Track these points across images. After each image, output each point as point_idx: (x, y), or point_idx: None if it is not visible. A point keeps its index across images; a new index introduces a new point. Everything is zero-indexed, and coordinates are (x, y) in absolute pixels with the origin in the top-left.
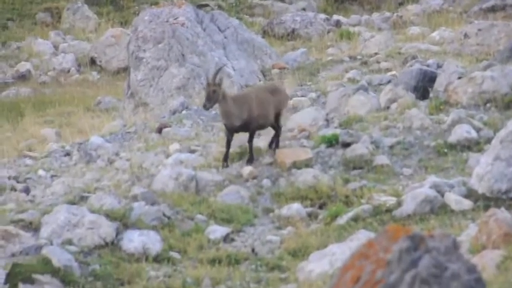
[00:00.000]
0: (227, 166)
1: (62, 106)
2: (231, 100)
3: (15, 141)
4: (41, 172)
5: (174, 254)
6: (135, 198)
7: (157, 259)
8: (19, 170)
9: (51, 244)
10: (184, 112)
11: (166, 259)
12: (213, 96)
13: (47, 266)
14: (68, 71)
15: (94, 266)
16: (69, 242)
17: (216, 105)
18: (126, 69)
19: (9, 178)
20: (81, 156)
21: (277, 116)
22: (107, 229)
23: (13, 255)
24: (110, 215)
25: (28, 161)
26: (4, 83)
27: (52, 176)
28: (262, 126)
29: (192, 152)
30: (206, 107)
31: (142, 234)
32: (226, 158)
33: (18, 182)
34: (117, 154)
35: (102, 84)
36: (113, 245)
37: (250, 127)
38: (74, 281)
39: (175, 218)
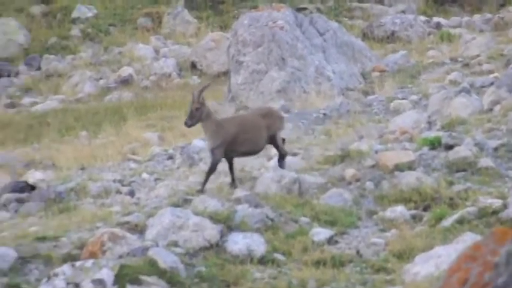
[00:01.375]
0: (234, 187)
1: (163, 110)
2: (214, 121)
3: (119, 145)
4: (145, 175)
5: (279, 256)
6: (238, 200)
7: (262, 261)
8: (123, 173)
9: (157, 246)
10: (285, 115)
11: (270, 261)
12: (196, 113)
13: (153, 267)
14: (169, 76)
15: (199, 267)
16: (175, 244)
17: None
18: (226, 73)
19: (114, 181)
20: (183, 160)
21: (273, 138)
22: (211, 231)
23: (120, 257)
24: (213, 218)
25: (132, 165)
26: (107, 88)
27: (156, 179)
28: (247, 153)
29: (294, 155)
30: (187, 124)
31: (246, 237)
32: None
33: (123, 185)
34: None
35: None
36: (217, 247)
37: (214, 156)
38: (180, 282)
39: (278, 221)
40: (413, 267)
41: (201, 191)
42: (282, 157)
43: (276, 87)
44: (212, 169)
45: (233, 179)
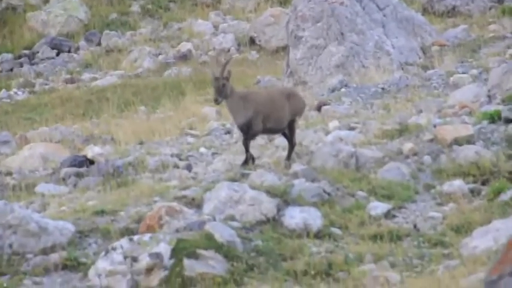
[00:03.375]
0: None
1: None
2: (238, 96)
3: (177, 120)
4: (202, 149)
5: (335, 230)
6: (295, 175)
7: (319, 235)
8: (181, 148)
9: (214, 220)
10: (343, 90)
11: (327, 235)
12: (223, 89)
13: (210, 241)
14: (228, 51)
15: (256, 241)
16: (231, 218)
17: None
18: (285, 48)
19: (172, 156)
20: (241, 134)
21: (292, 123)
22: (268, 205)
23: (177, 231)
24: (270, 192)
25: (190, 139)
26: (166, 63)
27: (213, 154)
28: (271, 130)
29: (352, 129)
30: (217, 101)
31: (303, 211)
32: (247, 160)
33: (180, 159)
34: None
35: (262, 63)
36: (274, 221)
37: (253, 127)
38: (237, 256)
39: (335, 195)
40: (471, 241)
41: (246, 163)
42: (292, 147)
43: (334, 62)
44: (250, 140)
45: (253, 158)
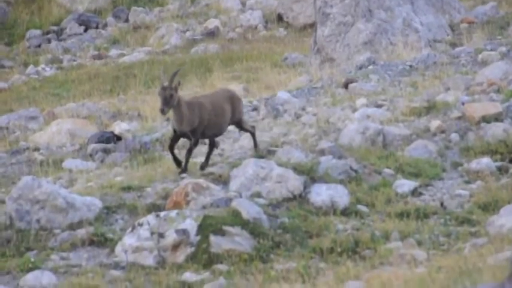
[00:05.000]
0: (182, 172)
1: (249, 62)
2: (185, 105)
3: None
4: (229, 126)
5: (362, 208)
6: (322, 152)
7: (345, 212)
8: None
9: (241, 197)
10: (370, 67)
11: (353, 212)
12: (170, 100)
13: (236, 218)
14: (255, 28)
15: (282, 218)
16: (258, 195)
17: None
18: (312, 25)
19: None
20: (268, 111)
21: (240, 123)
22: (295, 182)
23: (204, 207)
24: (297, 169)
25: None
26: (193, 40)
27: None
28: (214, 136)
29: (379, 106)
30: (164, 111)
31: (329, 188)
32: (177, 163)
33: None
34: (303, 109)
35: (289, 40)
36: (300, 198)
37: (196, 135)
38: (263, 233)
39: (362, 172)
40: (498, 219)
41: (184, 172)
42: (253, 134)
43: (362, 39)
44: (192, 149)
45: (176, 160)
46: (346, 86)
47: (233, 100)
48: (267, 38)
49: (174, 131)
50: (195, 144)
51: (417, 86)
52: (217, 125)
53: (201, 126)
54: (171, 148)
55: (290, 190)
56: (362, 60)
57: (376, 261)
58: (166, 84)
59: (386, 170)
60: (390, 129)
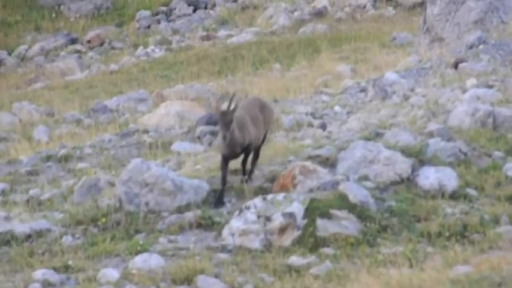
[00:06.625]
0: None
1: (357, 42)
2: (236, 125)
3: (312, 78)
4: (337, 108)
5: (471, 191)
6: (430, 134)
7: (453, 196)
8: (316, 106)
9: (348, 180)
10: (481, 47)
11: (462, 196)
12: (230, 125)
13: (343, 201)
14: (364, 7)
15: (390, 202)
16: (365, 178)
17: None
18: (422, 4)
19: (306, 114)
20: (376, 93)
21: (265, 136)
22: (403, 165)
23: (311, 190)
24: (405, 151)
25: (324, 97)
26: (301, 20)
27: (348, 112)
28: (254, 148)
29: (490, 87)
30: (227, 137)
31: (438, 171)
32: (221, 197)
33: (314, 118)
34: (412, 90)
35: (398, 19)
36: (408, 181)
37: (251, 147)
38: (370, 216)
39: (471, 155)
40: None
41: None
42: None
43: (472, 18)
44: (257, 159)
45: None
46: (455, 66)
47: (263, 108)
48: (375, 18)
49: (224, 157)
50: (256, 152)
51: None
52: (257, 137)
53: (250, 140)
54: (226, 173)
55: (398, 173)
56: (472, 39)
57: (485, 245)
58: (225, 108)
59: (497, 153)
60: (501, 110)
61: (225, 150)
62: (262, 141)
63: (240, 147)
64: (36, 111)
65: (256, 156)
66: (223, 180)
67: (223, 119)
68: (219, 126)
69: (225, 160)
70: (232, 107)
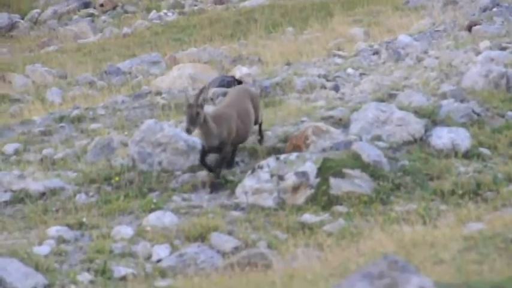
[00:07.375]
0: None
1: (370, 5)
2: (211, 119)
3: (325, 41)
4: (349, 70)
5: (484, 150)
6: (443, 95)
7: (467, 155)
8: (328, 69)
9: (361, 140)
10: (494, 9)
11: (475, 155)
12: (196, 118)
13: (356, 161)
14: None
15: (403, 161)
16: (378, 138)
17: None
18: None
19: (319, 76)
20: (389, 55)
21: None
22: (416, 126)
23: (323, 150)
24: (418, 112)
25: (337, 60)
26: None
27: (361, 74)
28: (239, 143)
29: (503, 49)
30: (190, 130)
31: (451, 131)
32: (209, 170)
33: (327, 80)
34: (425, 52)
35: None
36: (421, 141)
37: (226, 146)
38: (383, 175)
39: (485, 115)
40: None
41: (218, 178)
42: (262, 136)
43: None
44: (224, 160)
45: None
46: (469, 28)
47: (253, 98)
48: None
49: (203, 146)
50: (227, 154)
51: None
52: (245, 132)
53: (230, 137)
54: (203, 161)
55: (411, 133)
56: (486, 2)
57: (498, 203)
58: (191, 101)
59: (510, 113)
60: None
61: (203, 142)
62: (256, 122)
63: (218, 140)
64: (49, 74)
65: (233, 152)
66: (208, 169)
67: (189, 112)
68: (185, 119)
69: (203, 151)
70: (199, 100)
